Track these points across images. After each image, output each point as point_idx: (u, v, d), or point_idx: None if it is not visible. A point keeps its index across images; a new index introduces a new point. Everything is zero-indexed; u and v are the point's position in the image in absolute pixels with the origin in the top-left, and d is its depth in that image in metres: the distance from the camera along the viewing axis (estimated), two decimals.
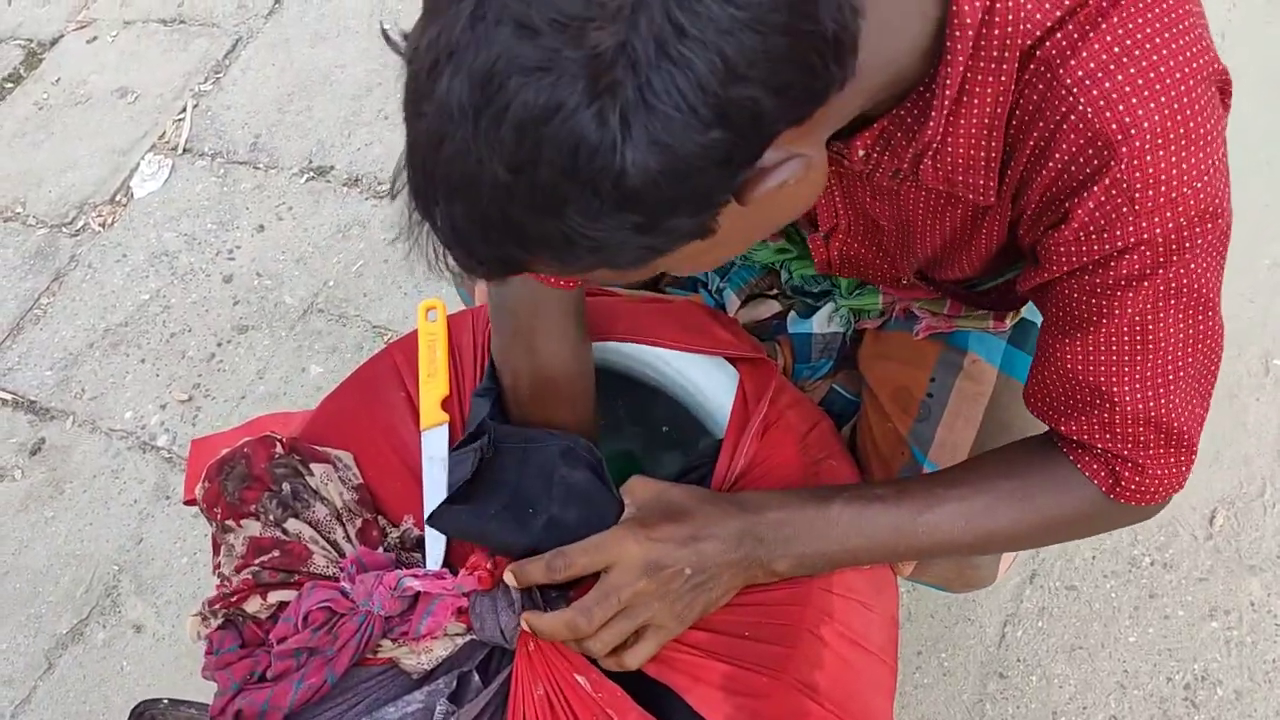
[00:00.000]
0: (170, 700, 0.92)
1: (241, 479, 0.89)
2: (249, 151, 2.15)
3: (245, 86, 2.26)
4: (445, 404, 0.95)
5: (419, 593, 0.84)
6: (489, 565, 0.84)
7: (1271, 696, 1.31)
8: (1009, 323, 0.97)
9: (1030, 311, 0.98)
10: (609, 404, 1.03)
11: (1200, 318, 0.70)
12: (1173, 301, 0.68)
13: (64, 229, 2.12)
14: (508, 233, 0.54)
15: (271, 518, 0.88)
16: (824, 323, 1.06)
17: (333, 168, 2.09)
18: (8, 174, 2.23)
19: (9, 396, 1.91)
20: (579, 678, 0.80)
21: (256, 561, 0.86)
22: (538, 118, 0.49)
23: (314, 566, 0.87)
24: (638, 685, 0.80)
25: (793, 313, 1.09)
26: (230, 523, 0.89)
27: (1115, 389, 0.72)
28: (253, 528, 0.88)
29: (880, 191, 0.78)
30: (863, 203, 0.81)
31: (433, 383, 0.96)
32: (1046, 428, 0.82)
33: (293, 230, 2.02)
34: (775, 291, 1.10)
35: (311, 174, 2.09)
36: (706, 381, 0.96)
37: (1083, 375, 0.73)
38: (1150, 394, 0.72)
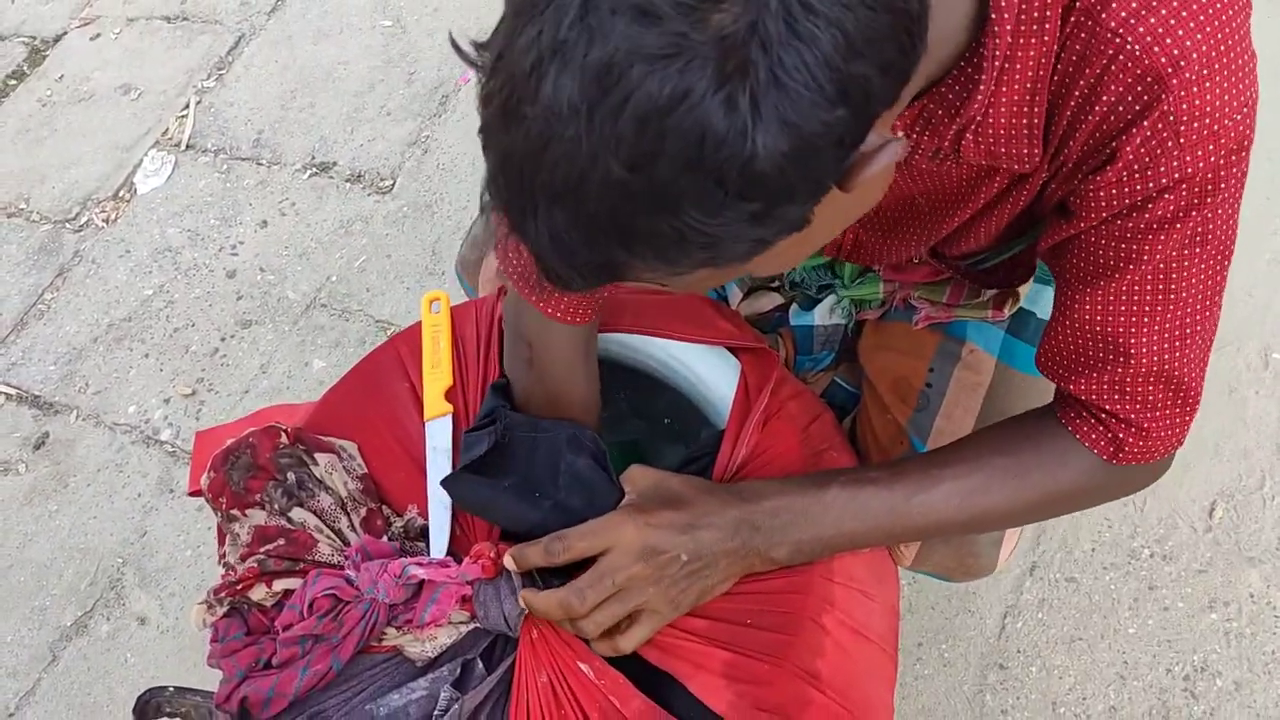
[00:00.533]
0: (176, 688, 0.92)
1: (246, 469, 0.90)
2: (252, 148, 2.16)
3: (248, 83, 2.27)
4: (449, 395, 0.96)
5: (423, 581, 0.84)
6: (493, 554, 0.85)
7: (1270, 687, 1.32)
8: (1007, 311, 0.97)
9: (1029, 301, 0.98)
10: (612, 396, 1.03)
11: (1217, 268, 0.71)
12: (1198, 250, 0.69)
13: (68, 225, 2.12)
14: (614, 235, 0.52)
15: (276, 506, 0.88)
16: (826, 315, 1.07)
17: (335, 164, 2.09)
18: (12, 170, 2.24)
19: (13, 391, 1.91)
20: (582, 665, 0.81)
21: (262, 550, 0.86)
22: (662, 109, 0.48)
23: (319, 555, 0.87)
24: (640, 673, 0.81)
25: (795, 305, 1.09)
26: (235, 512, 0.89)
27: (1132, 340, 0.73)
28: (258, 517, 0.89)
29: (915, 172, 0.77)
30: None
31: (436, 374, 0.97)
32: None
33: (295, 226, 2.02)
34: (777, 284, 1.10)
35: (314, 170, 2.09)
36: (709, 372, 0.96)
37: (1100, 327, 0.73)
38: (1166, 347, 0.73)
